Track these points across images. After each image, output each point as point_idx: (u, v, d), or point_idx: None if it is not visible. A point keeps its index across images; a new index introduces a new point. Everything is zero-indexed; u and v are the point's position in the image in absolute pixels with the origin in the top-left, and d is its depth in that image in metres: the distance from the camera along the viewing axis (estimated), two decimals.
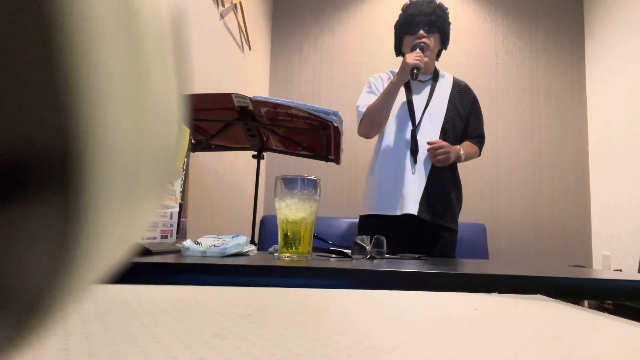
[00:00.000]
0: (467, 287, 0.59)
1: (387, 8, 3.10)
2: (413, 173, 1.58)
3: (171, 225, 0.87)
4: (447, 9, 1.66)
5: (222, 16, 1.97)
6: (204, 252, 0.76)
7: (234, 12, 2.16)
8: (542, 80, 3.07)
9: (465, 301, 0.36)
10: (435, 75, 1.70)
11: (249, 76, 2.53)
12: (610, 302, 2.36)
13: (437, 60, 1.72)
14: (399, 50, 1.73)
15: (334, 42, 3.13)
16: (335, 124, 1.23)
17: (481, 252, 2.72)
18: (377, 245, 0.93)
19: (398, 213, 1.56)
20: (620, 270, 2.41)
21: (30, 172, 0.07)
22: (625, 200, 2.60)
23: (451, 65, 3.06)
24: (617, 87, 2.72)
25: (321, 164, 2.92)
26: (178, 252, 0.82)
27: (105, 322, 0.24)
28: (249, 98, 1.21)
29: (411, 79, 1.52)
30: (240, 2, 2.22)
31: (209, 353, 0.19)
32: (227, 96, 1.20)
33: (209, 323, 0.25)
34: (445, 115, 1.64)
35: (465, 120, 1.69)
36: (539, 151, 3.01)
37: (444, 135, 1.62)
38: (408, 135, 1.61)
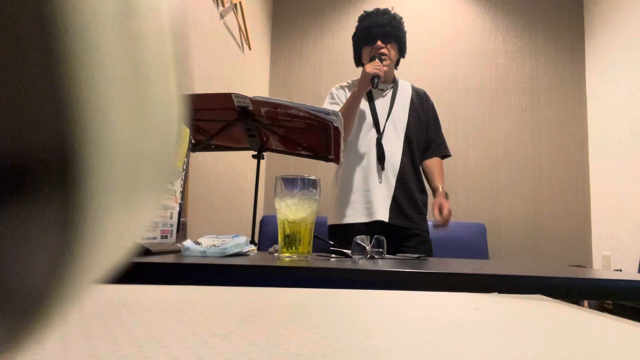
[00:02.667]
0: (467, 287, 0.59)
1: None
2: (380, 180, 1.60)
3: (171, 225, 0.87)
4: (401, 18, 1.68)
5: (222, 16, 1.97)
6: (204, 252, 0.76)
7: (234, 12, 2.16)
8: (542, 80, 3.07)
9: (465, 301, 0.36)
10: (395, 84, 1.73)
11: (249, 76, 2.53)
12: (610, 302, 2.36)
13: (395, 69, 1.74)
14: (358, 61, 1.76)
15: (334, 42, 3.13)
16: (335, 124, 1.23)
17: (481, 252, 2.72)
18: (377, 245, 0.93)
19: (368, 220, 1.57)
20: (620, 270, 2.41)
21: (30, 173, 0.07)
22: (625, 200, 2.60)
23: (451, 65, 3.06)
24: (617, 87, 2.72)
25: (321, 164, 2.91)
26: (178, 252, 0.82)
27: (105, 322, 0.24)
28: (249, 98, 1.21)
29: (372, 87, 1.55)
30: (240, 2, 2.22)
31: (209, 353, 0.19)
32: (227, 96, 1.20)
33: (209, 323, 0.25)
34: (408, 122, 1.66)
35: (425, 127, 1.73)
36: (539, 151, 3.01)
37: (407, 141, 1.64)
38: (373, 143, 1.63)
